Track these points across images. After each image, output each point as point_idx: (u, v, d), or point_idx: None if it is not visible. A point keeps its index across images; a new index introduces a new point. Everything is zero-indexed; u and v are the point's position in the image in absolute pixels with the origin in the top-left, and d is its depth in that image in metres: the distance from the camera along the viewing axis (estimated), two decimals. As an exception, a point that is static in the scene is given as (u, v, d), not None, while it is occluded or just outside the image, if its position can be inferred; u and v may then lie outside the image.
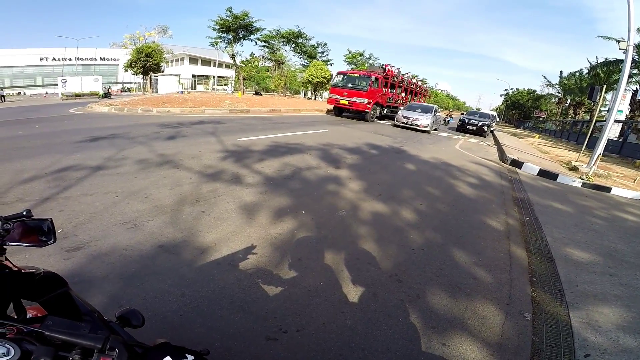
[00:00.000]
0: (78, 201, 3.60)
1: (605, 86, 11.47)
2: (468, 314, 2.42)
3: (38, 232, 0.99)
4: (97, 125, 9.32)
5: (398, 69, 21.98)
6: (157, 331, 1.91)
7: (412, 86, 25.18)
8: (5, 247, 0.89)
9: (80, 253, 2.61)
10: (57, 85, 41.10)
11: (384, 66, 20.62)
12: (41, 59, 55.51)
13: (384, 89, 19.36)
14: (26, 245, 0.96)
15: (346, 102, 18.21)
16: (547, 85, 41.17)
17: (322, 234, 3.41)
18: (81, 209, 3.42)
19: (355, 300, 2.40)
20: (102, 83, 43.22)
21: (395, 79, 21.20)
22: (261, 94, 37.92)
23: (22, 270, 0.90)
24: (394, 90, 21.66)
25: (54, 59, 55.87)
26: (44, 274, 0.95)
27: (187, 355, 0.76)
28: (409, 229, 3.78)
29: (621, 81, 8.63)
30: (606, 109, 30.22)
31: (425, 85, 26.13)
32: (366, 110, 17.72)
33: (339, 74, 20.02)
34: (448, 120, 27.47)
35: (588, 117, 30.15)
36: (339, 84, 18.80)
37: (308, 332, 2.04)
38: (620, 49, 8.38)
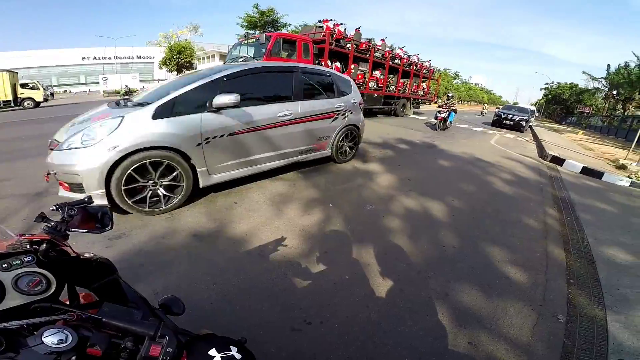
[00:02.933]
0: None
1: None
2: (498, 313, 2.34)
3: (95, 219, 1.01)
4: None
5: (359, 32, 13.24)
6: (189, 319, 1.97)
7: (399, 63, 15.73)
8: (68, 232, 0.91)
9: (121, 241, 2.77)
10: (98, 82, 43.32)
11: (322, 23, 11.99)
12: (83, 58, 58.58)
13: (318, 62, 11.40)
14: (85, 232, 0.97)
15: None
16: (591, 79, 38.58)
17: (349, 228, 3.40)
18: None
19: (382, 295, 2.37)
20: (140, 80, 45.05)
21: (347, 46, 12.32)
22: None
23: (81, 257, 0.93)
24: (363, 69, 13.42)
25: (94, 57, 58.78)
26: (99, 260, 0.98)
27: (231, 347, 0.77)
28: (440, 226, 3.68)
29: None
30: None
31: (429, 65, 19.29)
32: None
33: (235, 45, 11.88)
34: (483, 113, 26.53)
35: (639, 113, 28.09)
36: (233, 58, 11.10)
37: (332, 325, 2.05)
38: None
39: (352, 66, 12.84)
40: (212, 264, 2.56)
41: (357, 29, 13.42)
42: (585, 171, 7.87)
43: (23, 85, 19.60)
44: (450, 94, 14.65)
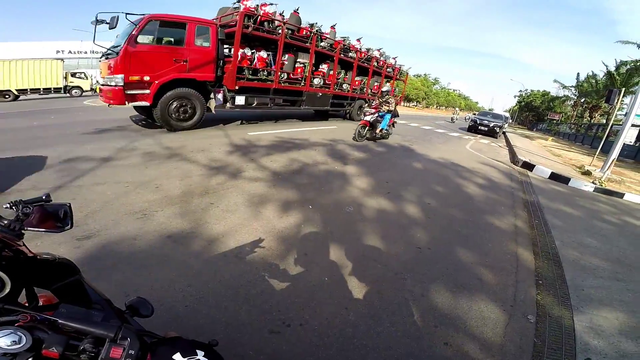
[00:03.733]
0: (90, 190, 3.69)
1: (623, 89, 11.20)
2: (471, 314, 2.42)
3: (55, 217, 0.98)
4: (108, 117, 9.45)
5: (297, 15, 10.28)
6: (163, 321, 1.95)
7: (353, 57, 12.85)
8: (23, 231, 0.87)
9: (91, 242, 2.67)
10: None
11: (239, 3, 8.79)
12: (57, 51, 56.23)
13: (220, 50, 8.22)
14: (43, 231, 0.94)
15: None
16: (562, 88, 40.38)
17: (328, 230, 3.42)
18: (93, 198, 3.50)
19: (360, 296, 2.41)
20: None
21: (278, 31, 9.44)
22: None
23: (38, 257, 0.89)
24: (300, 60, 10.62)
25: (70, 52, 56.57)
26: (58, 260, 0.94)
27: (198, 352, 0.75)
28: (416, 228, 3.77)
29: None
30: (623, 113, 29.65)
31: (394, 63, 16.27)
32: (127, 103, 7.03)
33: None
34: (454, 119, 27.05)
35: (604, 121, 29.60)
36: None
37: (311, 327, 2.06)
38: None
39: (286, 57, 10.00)
40: (186, 266, 2.51)
41: (332, 27, 11.92)
42: (553, 176, 8.24)
43: (73, 75, 22.31)
44: (384, 89, 10.77)
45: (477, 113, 23.05)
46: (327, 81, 11.90)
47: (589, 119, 33.30)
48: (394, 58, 16.17)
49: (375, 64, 14.52)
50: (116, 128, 7.61)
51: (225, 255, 2.73)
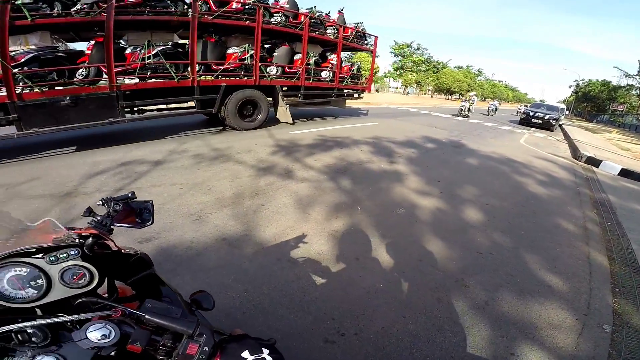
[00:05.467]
0: (148, 192, 3.83)
1: None
2: (541, 323, 2.23)
3: (137, 214, 1.04)
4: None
5: None
6: (221, 327, 1.95)
7: (275, 22, 7.84)
8: (113, 227, 0.93)
9: (151, 245, 2.75)
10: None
11: None
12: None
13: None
14: (127, 227, 1.00)
15: None
16: (625, 76, 36.63)
17: (379, 233, 3.30)
18: (151, 199, 3.63)
19: (418, 304, 2.28)
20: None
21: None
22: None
23: (123, 251, 0.94)
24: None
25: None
26: (139, 255, 0.99)
27: (263, 350, 0.77)
28: (474, 231, 3.54)
29: None
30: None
31: (358, 28, 10.17)
32: None
33: None
34: (492, 110, 22.81)
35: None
36: None
37: (367, 336, 1.98)
38: None
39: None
40: (242, 271, 2.50)
41: (340, 11, 9.71)
42: (624, 173, 7.45)
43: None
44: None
45: (527, 105, 21.52)
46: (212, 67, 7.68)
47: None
48: (358, 24, 10.33)
49: (320, 31, 9.07)
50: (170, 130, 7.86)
51: (279, 259, 2.70)
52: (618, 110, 39.09)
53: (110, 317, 0.70)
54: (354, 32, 10.02)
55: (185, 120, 8.70)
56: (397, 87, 65.36)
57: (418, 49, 46.12)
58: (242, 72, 7.71)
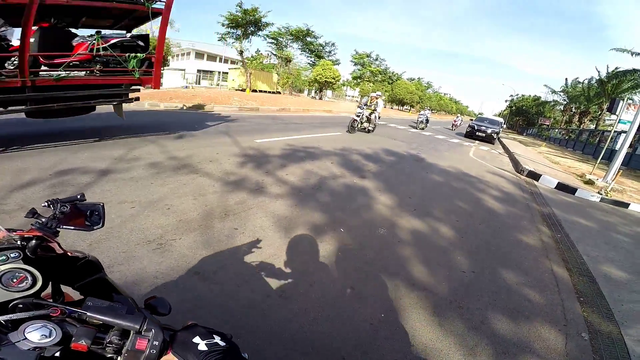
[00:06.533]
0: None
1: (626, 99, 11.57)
2: (532, 337, 2.49)
3: (86, 216, 1.00)
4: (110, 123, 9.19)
5: None
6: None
7: None
8: (58, 229, 0.90)
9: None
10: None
11: None
12: None
13: None
14: (74, 229, 0.96)
15: None
16: (551, 92, 41.09)
17: (368, 257, 3.28)
18: None
19: (423, 331, 2.37)
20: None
21: None
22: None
23: (69, 254, 0.91)
24: None
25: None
26: (88, 258, 0.96)
27: (215, 336, 0.78)
28: (452, 249, 3.76)
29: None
30: (610, 118, 30.34)
31: None
32: None
33: None
34: (422, 122, 20.45)
35: (593, 126, 30.27)
36: None
37: (381, 370, 2.01)
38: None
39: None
40: (226, 311, 2.20)
41: None
42: (560, 187, 8.44)
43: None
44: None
45: (473, 119, 23.29)
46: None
47: (578, 124, 33.99)
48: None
49: None
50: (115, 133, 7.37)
51: (268, 295, 2.43)
52: (545, 125, 43.58)
53: (50, 317, 0.70)
54: None
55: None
56: (353, 96, 67.26)
57: (377, 59, 47.82)
58: None
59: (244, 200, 4.16)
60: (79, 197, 1.00)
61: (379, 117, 14.05)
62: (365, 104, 13.05)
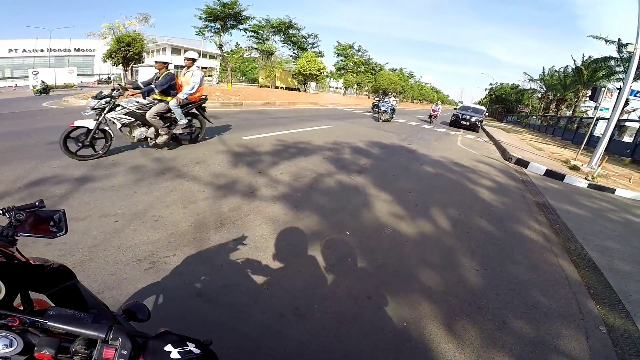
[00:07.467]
0: (69, 228, 3.18)
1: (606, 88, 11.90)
2: (555, 334, 2.46)
3: (49, 223, 0.99)
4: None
5: None
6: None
7: None
8: (16, 238, 0.89)
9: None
10: (27, 77, 38.95)
11: None
12: (10, 50, 52.73)
13: None
14: (35, 236, 0.94)
15: None
16: (529, 80, 42.06)
17: (379, 260, 3.14)
18: (76, 241, 2.71)
19: (448, 337, 2.29)
20: (77, 74, 41.62)
21: None
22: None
23: (31, 262, 0.91)
24: None
25: (24, 50, 53.11)
26: (53, 266, 0.97)
27: (189, 343, 0.76)
28: (461, 246, 3.69)
29: (627, 81, 9.00)
30: (585, 105, 31.32)
31: None
32: None
33: None
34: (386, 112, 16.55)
35: (569, 113, 31.13)
36: None
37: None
38: (629, 52, 8.64)
39: None
40: (240, 335, 2.03)
41: None
42: (549, 173, 8.58)
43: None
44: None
45: (457, 108, 23.54)
46: None
47: (556, 111, 34.88)
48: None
49: None
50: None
51: (282, 314, 2.25)
52: (524, 112, 44.57)
53: (9, 327, 0.68)
54: None
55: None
56: (337, 88, 67.01)
57: (359, 50, 47.70)
58: None
59: (239, 205, 3.92)
60: (37, 203, 0.98)
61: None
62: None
